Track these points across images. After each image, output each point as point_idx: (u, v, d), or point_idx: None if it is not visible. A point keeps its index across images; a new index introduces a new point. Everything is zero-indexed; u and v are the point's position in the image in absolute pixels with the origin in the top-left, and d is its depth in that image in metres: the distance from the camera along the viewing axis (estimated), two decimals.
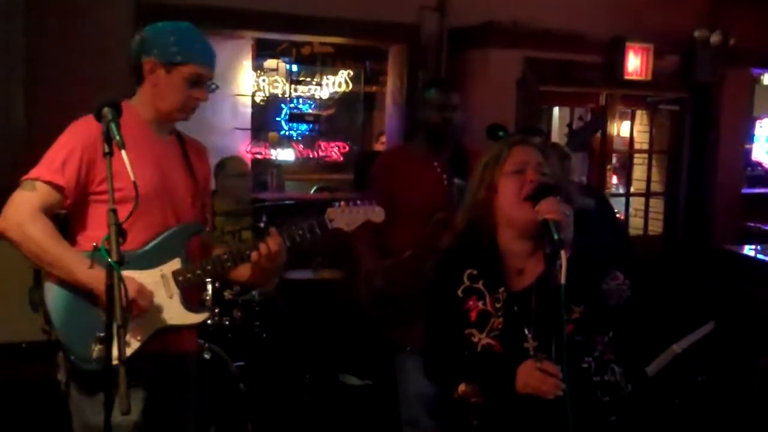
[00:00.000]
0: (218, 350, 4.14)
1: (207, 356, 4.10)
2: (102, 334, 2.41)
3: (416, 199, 3.68)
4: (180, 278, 2.59)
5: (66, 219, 2.61)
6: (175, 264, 2.61)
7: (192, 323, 2.67)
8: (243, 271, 2.73)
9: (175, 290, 2.59)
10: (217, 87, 2.72)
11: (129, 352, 2.47)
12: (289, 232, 2.69)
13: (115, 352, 2.32)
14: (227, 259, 2.65)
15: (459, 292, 2.49)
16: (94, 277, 2.38)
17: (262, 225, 4.90)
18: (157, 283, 2.56)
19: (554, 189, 2.38)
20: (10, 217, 2.46)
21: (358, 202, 2.77)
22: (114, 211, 2.15)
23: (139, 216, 2.48)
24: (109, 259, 2.10)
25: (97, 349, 2.46)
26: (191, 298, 2.70)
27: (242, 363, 4.34)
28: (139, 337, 2.52)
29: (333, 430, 4.76)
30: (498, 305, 2.44)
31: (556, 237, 2.24)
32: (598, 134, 6.99)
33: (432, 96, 3.84)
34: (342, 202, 2.74)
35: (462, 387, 2.46)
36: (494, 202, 2.48)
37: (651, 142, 7.64)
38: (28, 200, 2.47)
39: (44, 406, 2.66)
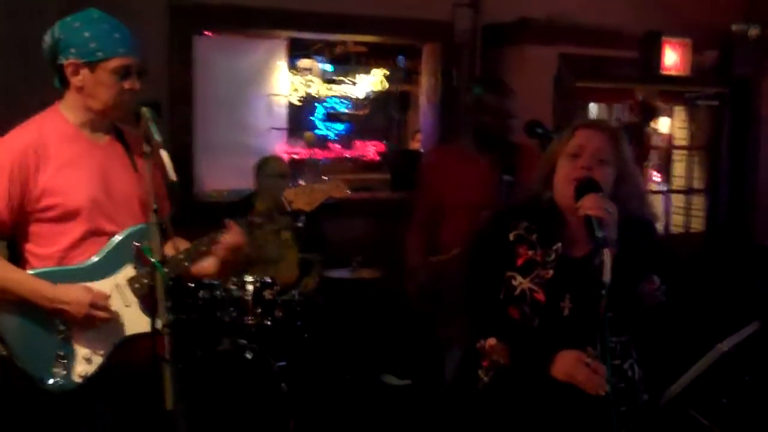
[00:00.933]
0: (260, 350, 4.15)
1: (249, 356, 4.13)
2: (62, 353, 2.43)
3: (464, 196, 3.69)
4: (136, 285, 2.52)
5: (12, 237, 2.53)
6: (129, 271, 2.53)
7: (148, 330, 2.55)
8: (206, 267, 2.65)
9: (132, 299, 2.52)
10: (146, 72, 2.58)
11: (92, 369, 2.46)
12: (248, 221, 2.66)
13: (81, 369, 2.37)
14: (183, 258, 2.57)
15: (510, 236, 2.49)
16: (62, 293, 2.39)
17: (300, 224, 4.92)
18: (111, 294, 2.49)
19: (597, 185, 2.36)
20: None
21: (317, 180, 2.71)
22: (156, 211, 2.16)
23: (86, 228, 2.48)
24: (152, 259, 2.11)
25: (58, 369, 2.43)
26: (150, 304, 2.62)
27: (284, 363, 4.35)
28: (101, 352, 2.47)
29: (373, 428, 4.76)
30: (549, 259, 2.44)
31: (598, 234, 2.22)
32: (647, 129, 6.92)
33: (489, 99, 3.83)
34: (300, 182, 2.68)
35: (491, 341, 2.44)
36: (554, 180, 2.49)
37: (690, 139, 7.54)
38: None
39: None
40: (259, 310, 4.38)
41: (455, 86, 6.39)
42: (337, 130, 7.89)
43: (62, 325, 2.45)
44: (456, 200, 3.67)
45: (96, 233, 2.51)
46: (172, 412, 2.52)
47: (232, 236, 2.59)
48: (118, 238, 2.54)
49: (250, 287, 4.37)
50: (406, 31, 6.53)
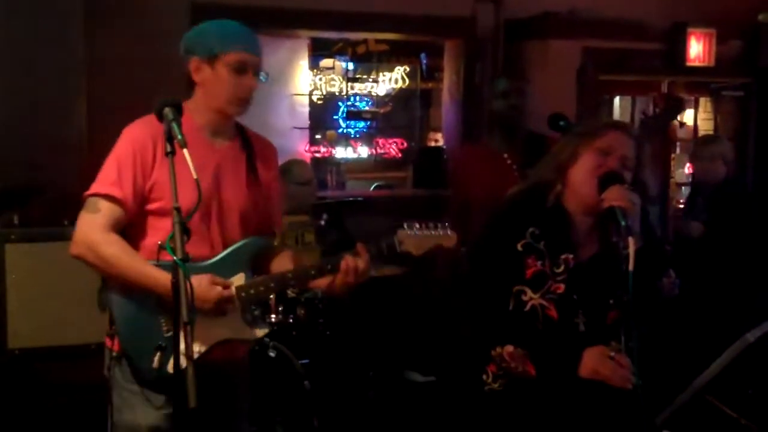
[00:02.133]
0: (283, 348, 4.16)
1: (272, 354, 4.13)
2: (163, 344, 2.47)
3: (484, 193, 3.69)
4: (243, 294, 2.55)
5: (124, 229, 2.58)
6: (240, 279, 2.57)
7: (249, 338, 2.65)
8: (320, 284, 2.64)
9: (237, 304, 2.55)
10: (268, 76, 2.63)
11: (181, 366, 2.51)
12: (378, 247, 2.63)
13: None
14: (291, 278, 2.60)
15: (519, 246, 2.44)
16: (193, 283, 2.40)
17: (322, 223, 4.92)
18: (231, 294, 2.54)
19: (621, 178, 2.36)
20: (81, 242, 2.46)
21: (431, 224, 2.65)
22: (178, 209, 2.16)
23: (189, 226, 2.47)
24: (174, 257, 2.11)
25: (157, 359, 2.48)
26: (250, 314, 2.66)
27: (307, 361, 4.35)
28: (197, 350, 2.47)
29: (397, 425, 4.75)
30: (558, 270, 2.41)
31: (623, 224, 2.22)
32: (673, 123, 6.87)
33: (498, 85, 3.89)
34: (415, 224, 2.62)
35: (509, 348, 2.41)
36: (570, 169, 2.45)
37: (715, 130, 7.47)
38: (93, 221, 2.46)
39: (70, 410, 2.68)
40: (282, 309, 4.38)
41: (478, 82, 6.37)
42: (359, 128, 7.88)
43: (168, 316, 2.47)
44: (481, 197, 3.67)
45: (194, 233, 2.44)
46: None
47: (359, 262, 2.57)
48: (239, 244, 2.60)
49: (271, 311, 4.36)
50: (428, 28, 6.52)
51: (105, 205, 2.47)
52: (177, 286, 2.11)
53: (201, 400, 2.44)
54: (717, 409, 3.51)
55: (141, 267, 2.47)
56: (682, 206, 7.84)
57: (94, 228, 2.45)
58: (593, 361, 2.30)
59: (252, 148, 2.72)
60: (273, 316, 4.35)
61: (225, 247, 2.61)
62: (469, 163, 3.98)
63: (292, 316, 4.42)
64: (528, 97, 3.89)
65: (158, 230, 2.53)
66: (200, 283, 2.42)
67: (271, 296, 2.55)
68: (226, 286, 2.49)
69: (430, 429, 4.67)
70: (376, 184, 7.57)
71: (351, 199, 5.63)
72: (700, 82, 7.15)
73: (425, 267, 4.03)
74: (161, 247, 2.20)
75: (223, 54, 2.52)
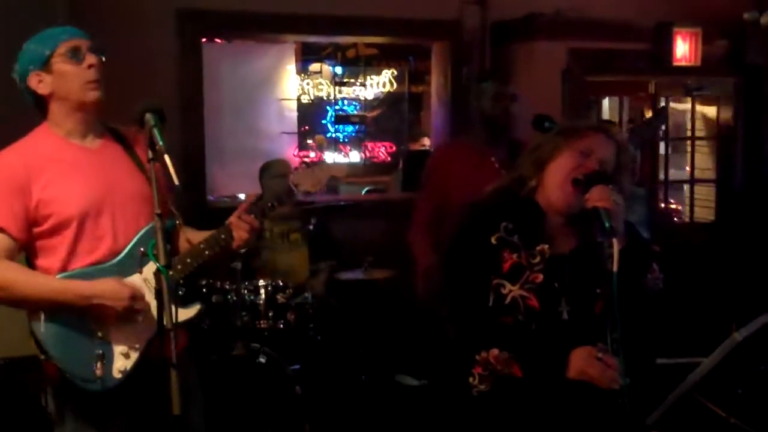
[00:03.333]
0: (273, 354, 4.15)
1: (263, 360, 4.13)
2: (101, 352, 2.47)
3: (470, 194, 3.67)
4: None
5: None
6: (153, 265, 2.50)
7: (186, 319, 2.63)
8: (222, 254, 2.70)
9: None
10: (103, 50, 2.59)
11: (130, 364, 2.50)
12: (260, 208, 2.71)
13: (120, 364, 2.44)
14: (204, 248, 2.63)
15: (493, 240, 2.44)
16: (96, 287, 2.43)
17: (311, 227, 4.92)
18: (140, 288, 2.53)
19: (606, 177, 2.36)
20: None
21: (317, 162, 2.78)
22: (160, 216, 2.16)
23: (88, 233, 2.51)
24: (157, 264, 2.12)
25: (99, 368, 2.46)
26: (181, 296, 2.73)
27: (298, 366, 4.34)
28: (137, 346, 2.51)
29: (390, 430, 4.74)
30: (534, 261, 2.40)
31: (607, 225, 2.22)
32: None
33: (488, 87, 3.87)
34: (302, 165, 2.78)
35: (494, 352, 2.40)
36: (548, 166, 2.45)
37: (693, 129, 7.50)
38: None
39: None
40: (272, 314, 4.38)
41: (465, 84, 6.37)
42: (348, 132, 7.88)
43: (95, 324, 2.48)
44: (462, 198, 3.64)
45: (95, 238, 2.53)
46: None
47: (247, 225, 2.65)
48: (139, 234, 2.58)
49: (262, 291, 4.37)
50: (414, 31, 6.54)
51: None
52: (160, 292, 2.11)
53: (150, 399, 2.46)
54: (706, 408, 3.51)
55: (46, 283, 2.48)
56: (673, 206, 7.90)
57: None
58: (580, 362, 2.29)
59: (124, 138, 2.70)
60: (263, 322, 4.35)
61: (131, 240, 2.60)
62: (450, 161, 3.95)
63: (282, 321, 4.41)
64: (516, 101, 3.89)
65: (54, 248, 2.52)
66: (109, 283, 2.45)
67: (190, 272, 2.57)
68: (134, 286, 2.50)
69: None
70: (367, 189, 7.57)
71: (341, 203, 5.63)
72: (686, 81, 7.16)
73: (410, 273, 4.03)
74: (144, 256, 2.21)
75: (53, 52, 2.51)
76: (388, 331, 5.46)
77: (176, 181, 2.21)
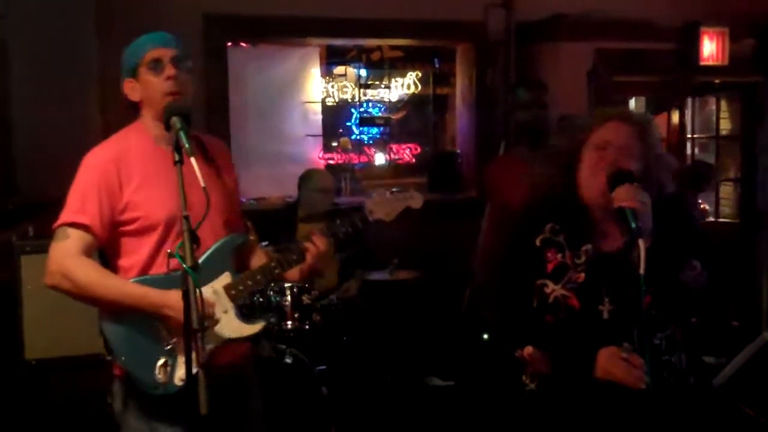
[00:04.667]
0: (300, 355, 4.17)
1: (289, 361, 4.14)
2: (165, 359, 2.49)
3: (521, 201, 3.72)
4: (232, 292, 2.59)
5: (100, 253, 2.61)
6: (226, 278, 2.60)
7: (249, 335, 2.65)
8: (293, 274, 2.72)
9: (229, 304, 2.59)
10: (186, 58, 2.61)
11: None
12: (333, 231, 2.72)
13: (183, 372, 2.43)
14: (275, 266, 2.65)
15: (537, 242, 2.46)
16: (166, 298, 2.43)
17: (341, 236, 4.93)
18: (209, 300, 2.53)
19: (631, 176, 2.33)
20: (56, 271, 2.47)
21: (394, 189, 2.77)
22: (187, 218, 2.17)
23: (171, 239, 2.53)
24: (184, 265, 2.13)
25: (162, 374, 2.48)
26: (243, 311, 2.69)
27: (324, 367, 4.35)
28: (201, 355, 2.53)
29: (416, 431, 4.74)
30: (579, 261, 2.41)
31: (633, 225, 2.20)
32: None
33: (520, 95, 3.91)
34: (381, 191, 2.75)
35: (529, 350, 2.42)
36: (578, 170, 2.45)
37: (717, 129, 7.44)
38: (64, 248, 2.47)
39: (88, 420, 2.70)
40: (298, 315, 4.39)
41: (490, 86, 6.37)
42: (373, 134, 7.88)
43: (166, 331, 2.50)
44: (514, 206, 3.70)
45: (176, 244, 2.53)
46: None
47: (320, 244, 2.67)
48: (216, 245, 2.61)
49: (288, 293, 4.39)
50: (439, 34, 6.54)
51: (74, 233, 2.48)
52: (187, 294, 2.12)
53: (213, 407, 2.49)
54: (736, 407, 3.49)
55: (120, 286, 2.50)
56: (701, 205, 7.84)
57: (65, 255, 2.46)
58: (605, 363, 2.29)
59: (206, 148, 2.73)
60: (289, 322, 4.37)
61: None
62: (500, 173, 4.03)
63: (308, 322, 4.43)
64: (549, 105, 3.91)
65: (136, 248, 2.55)
66: (179, 297, 2.41)
67: (260, 289, 2.61)
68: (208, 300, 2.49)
69: None
70: (393, 190, 7.48)
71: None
72: (712, 81, 7.10)
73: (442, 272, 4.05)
74: (170, 256, 2.22)
75: (139, 62, 2.57)
76: (414, 332, 5.46)
77: (202, 183, 2.22)
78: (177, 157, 2.30)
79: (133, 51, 2.60)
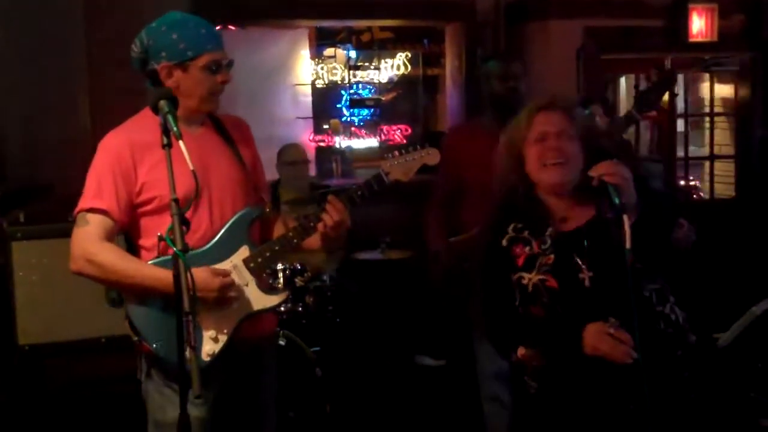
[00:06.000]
0: (293, 336, 4.18)
1: (282, 343, 4.16)
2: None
3: (484, 175, 3.66)
4: (251, 265, 2.61)
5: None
6: (244, 252, 2.61)
7: (272, 305, 2.68)
8: (312, 242, 2.71)
9: (249, 277, 2.61)
10: (232, 62, 2.64)
11: (218, 347, 2.55)
12: (348, 195, 2.68)
13: (209, 348, 2.49)
14: (293, 236, 2.65)
15: (503, 242, 2.51)
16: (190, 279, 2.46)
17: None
18: (231, 274, 2.57)
19: (610, 153, 2.38)
20: (79, 257, 2.49)
21: (410, 148, 2.74)
22: (176, 201, 2.17)
23: (188, 216, 2.51)
24: (174, 248, 2.13)
25: (189, 351, 2.47)
26: (265, 282, 2.73)
27: (318, 348, 4.37)
28: (225, 330, 2.56)
29: (409, 410, 4.77)
30: (545, 246, 2.45)
31: (616, 201, 2.21)
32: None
33: (493, 67, 3.84)
34: (395, 152, 2.72)
35: (521, 351, 2.46)
36: (525, 168, 2.51)
37: (711, 105, 7.45)
38: (86, 233, 2.50)
39: (122, 402, 2.71)
40: (290, 297, 4.41)
41: (479, 66, 6.36)
42: (363, 116, 7.89)
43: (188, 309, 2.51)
44: (476, 178, 3.65)
45: (197, 222, 2.56)
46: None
47: (334, 211, 2.63)
48: (232, 220, 2.63)
49: (280, 275, 4.40)
50: (428, 13, 6.52)
51: (93, 218, 2.51)
52: (177, 277, 2.13)
53: (236, 378, 2.58)
54: (727, 382, 3.52)
55: (141, 269, 2.51)
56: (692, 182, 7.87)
57: (87, 240, 2.49)
58: (592, 339, 2.30)
59: (224, 126, 2.75)
60: (283, 305, 4.38)
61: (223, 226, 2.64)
62: (463, 142, 3.94)
63: (301, 304, 4.44)
64: (524, 79, 3.86)
65: (156, 228, 2.54)
66: (201, 274, 2.45)
67: (280, 262, 2.61)
68: (225, 274, 2.53)
69: (442, 413, 4.69)
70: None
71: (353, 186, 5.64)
72: (703, 57, 7.10)
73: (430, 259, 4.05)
74: (160, 239, 2.22)
75: (197, 57, 2.55)
76: (405, 312, 5.48)
77: (191, 166, 2.23)
78: (165, 141, 2.31)
79: (187, 40, 2.54)
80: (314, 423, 4.18)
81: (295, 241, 2.66)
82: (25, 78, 4.58)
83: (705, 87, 7.57)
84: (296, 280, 4.45)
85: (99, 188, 2.52)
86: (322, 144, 7.30)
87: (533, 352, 2.44)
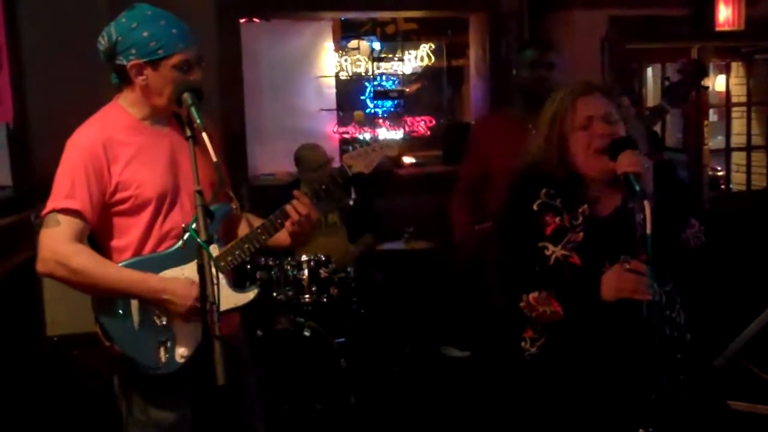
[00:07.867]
0: (318, 327, 4.20)
1: (307, 333, 4.18)
2: (164, 339, 2.52)
3: (508, 163, 3.66)
4: (222, 263, 2.58)
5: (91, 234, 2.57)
6: (213, 251, 2.52)
7: (244, 303, 2.65)
8: (281, 238, 2.70)
9: (219, 276, 2.53)
10: (204, 59, 2.58)
11: (188, 353, 2.54)
12: (313, 190, 2.72)
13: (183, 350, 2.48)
14: (261, 232, 2.64)
15: (534, 206, 2.48)
16: (165, 283, 2.47)
17: (351, 202, 4.95)
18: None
19: (630, 142, 2.37)
20: (49, 259, 2.43)
21: (371, 142, 2.83)
22: (200, 193, 2.18)
23: (162, 215, 2.54)
24: (198, 240, 2.15)
25: (162, 354, 2.51)
26: (234, 280, 2.71)
27: (342, 339, 4.39)
28: (199, 330, 2.45)
29: (434, 401, 4.78)
30: (576, 222, 2.43)
31: (638, 189, 2.23)
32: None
33: (527, 55, 3.84)
34: (356, 146, 2.76)
35: (535, 294, 2.43)
36: (567, 151, 2.46)
37: (749, 95, 7.36)
38: (56, 235, 2.43)
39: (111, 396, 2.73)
40: (315, 288, 4.43)
41: (503, 56, 6.34)
42: (387, 107, 7.89)
43: (158, 311, 2.52)
44: (503, 168, 3.64)
45: (173, 222, 2.57)
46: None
47: (300, 206, 2.64)
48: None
49: (305, 266, 4.43)
50: (452, 4, 6.53)
51: (64, 219, 2.44)
52: (202, 267, 2.14)
53: (212, 374, 2.39)
54: (751, 372, 3.50)
55: (114, 272, 2.47)
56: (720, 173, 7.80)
57: (58, 242, 2.43)
58: (613, 280, 2.29)
59: (189, 124, 2.67)
60: (307, 296, 4.40)
61: None
62: (491, 130, 3.94)
63: (325, 295, 4.46)
64: (556, 69, 3.84)
65: (130, 228, 2.55)
66: (179, 284, 2.47)
67: (248, 257, 2.60)
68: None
69: (467, 404, 4.69)
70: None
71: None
72: (730, 46, 7.02)
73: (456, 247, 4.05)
74: (185, 230, 2.24)
75: (168, 57, 2.49)
76: (431, 303, 5.48)
77: (214, 158, 2.25)
78: (189, 133, 2.33)
79: (158, 38, 2.47)
80: (339, 414, 4.19)
81: (263, 237, 2.65)
82: (53, 75, 4.62)
83: (732, 77, 7.48)
84: (321, 271, 4.47)
85: (72, 188, 2.45)
86: (346, 136, 7.31)
87: (547, 295, 2.41)
